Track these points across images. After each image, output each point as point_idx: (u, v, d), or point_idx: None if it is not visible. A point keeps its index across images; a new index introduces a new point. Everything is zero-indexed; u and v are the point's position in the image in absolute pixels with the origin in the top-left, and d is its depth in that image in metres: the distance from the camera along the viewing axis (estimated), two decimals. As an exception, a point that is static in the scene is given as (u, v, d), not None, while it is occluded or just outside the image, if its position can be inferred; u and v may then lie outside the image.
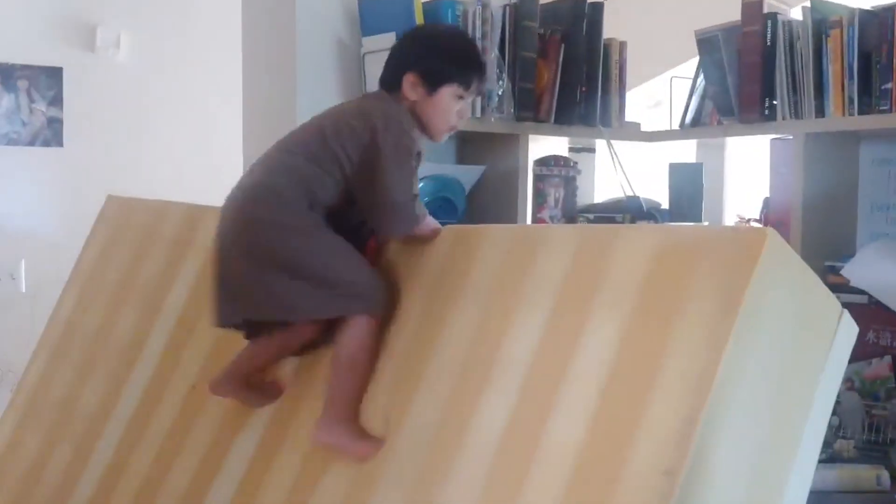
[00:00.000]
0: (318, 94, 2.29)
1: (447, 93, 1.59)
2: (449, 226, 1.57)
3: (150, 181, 2.82)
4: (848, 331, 1.30)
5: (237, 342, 1.62)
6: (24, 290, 3.39)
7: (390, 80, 1.62)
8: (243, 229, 1.52)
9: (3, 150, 3.43)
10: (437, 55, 1.62)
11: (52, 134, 3.51)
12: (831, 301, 1.28)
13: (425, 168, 2.30)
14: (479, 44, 2.23)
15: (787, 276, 1.19)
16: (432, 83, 1.58)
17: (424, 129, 1.61)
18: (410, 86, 1.58)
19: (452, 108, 1.60)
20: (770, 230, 1.14)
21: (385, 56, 2.21)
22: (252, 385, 1.61)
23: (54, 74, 3.52)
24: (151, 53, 3.76)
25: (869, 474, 1.83)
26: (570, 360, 1.22)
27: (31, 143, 3.48)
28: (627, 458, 1.10)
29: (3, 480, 1.96)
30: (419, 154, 1.57)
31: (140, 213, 2.10)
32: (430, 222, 1.55)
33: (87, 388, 1.92)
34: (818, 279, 1.27)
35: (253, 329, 1.59)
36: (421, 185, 2.25)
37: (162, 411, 1.75)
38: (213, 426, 1.65)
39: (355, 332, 1.48)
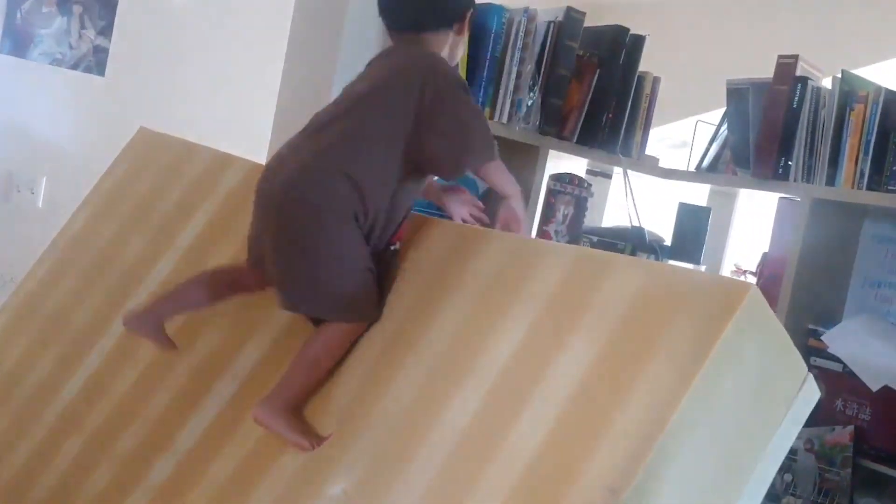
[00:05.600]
0: (358, 63, 2.35)
1: (463, 29, 1.64)
2: (452, 223, 1.62)
3: (182, 123, 2.88)
4: (809, 394, 1.34)
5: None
6: (40, 206, 3.48)
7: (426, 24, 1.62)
8: (279, 212, 1.52)
9: (48, 68, 3.51)
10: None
11: (95, 62, 3.58)
12: (798, 363, 1.33)
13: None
14: (517, 54, 2.30)
15: (760, 331, 1.24)
16: (460, 24, 1.63)
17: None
18: (455, 33, 1.62)
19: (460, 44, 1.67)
20: (753, 286, 1.21)
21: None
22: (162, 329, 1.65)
23: (109, 5, 3.60)
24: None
25: (807, 533, 1.88)
26: (543, 371, 1.27)
27: (75, 66, 3.55)
28: (578, 471, 1.16)
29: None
30: None
31: (167, 149, 2.16)
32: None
33: (84, 302, 1.98)
34: (789, 340, 1.31)
35: None
36: (435, 178, 2.31)
37: (133, 362, 1.80)
38: (200, 360, 1.71)
39: (332, 334, 1.52)
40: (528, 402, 1.26)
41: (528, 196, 2.41)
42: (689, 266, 2.55)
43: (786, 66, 2.29)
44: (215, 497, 1.52)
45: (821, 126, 2.23)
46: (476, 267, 1.47)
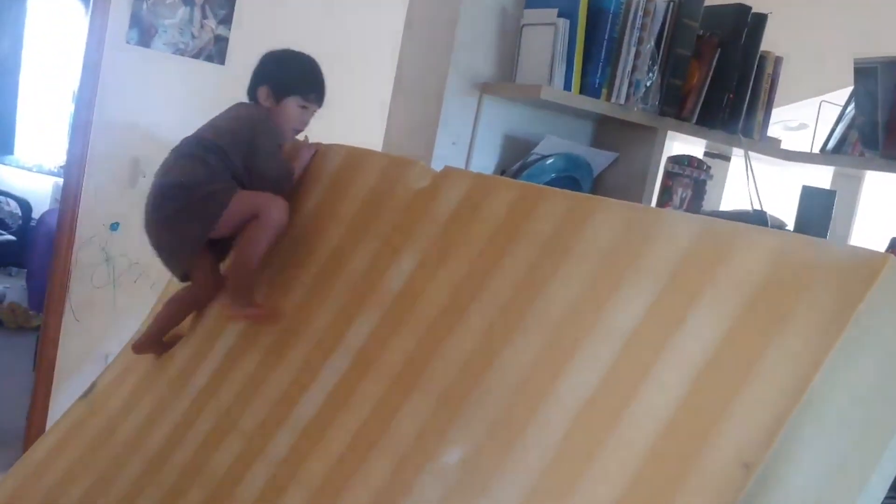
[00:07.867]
0: (472, 55, 2.36)
1: (291, 102, 2.02)
2: (568, 191, 1.60)
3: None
4: None
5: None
6: (164, 191, 3.62)
7: (251, 92, 2.06)
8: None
9: (171, 57, 3.64)
10: (283, 72, 2.06)
11: (216, 51, 3.70)
12: None
13: (557, 144, 2.36)
14: (636, 34, 2.27)
15: (897, 305, 1.18)
16: (278, 95, 2.02)
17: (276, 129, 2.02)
18: (264, 97, 2.03)
19: (296, 115, 2.03)
20: (891, 256, 1.14)
21: (542, 30, 2.28)
22: (165, 343, 2.10)
23: (232, -5, 3.72)
24: (323, -7, 3.91)
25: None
26: (671, 339, 1.24)
27: (197, 56, 3.68)
28: (709, 443, 1.13)
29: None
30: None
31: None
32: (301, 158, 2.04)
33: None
34: None
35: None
36: (550, 161, 2.31)
37: (256, 344, 1.89)
38: (316, 337, 1.76)
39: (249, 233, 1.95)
40: (654, 373, 1.23)
41: (644, 178, 2.38)
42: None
43: (919, 42, 2.19)
44: (332, 466, 1.55)
45: (957, 105, 2.13)
46: (594, 234, 1.43)
